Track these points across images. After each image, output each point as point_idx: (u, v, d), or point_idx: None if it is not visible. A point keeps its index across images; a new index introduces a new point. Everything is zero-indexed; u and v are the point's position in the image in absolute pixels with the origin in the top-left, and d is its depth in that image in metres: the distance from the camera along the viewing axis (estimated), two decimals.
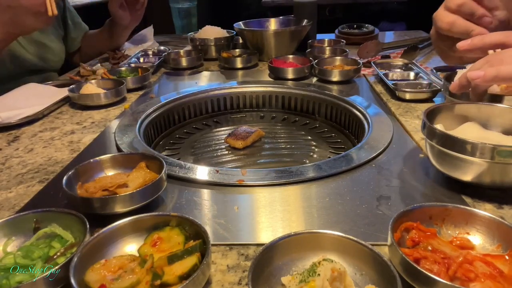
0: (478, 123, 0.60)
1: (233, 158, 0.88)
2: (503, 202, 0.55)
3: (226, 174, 0.64)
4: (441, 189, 0.59)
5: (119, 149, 0.75)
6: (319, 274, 0.37)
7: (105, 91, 0.98)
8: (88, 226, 0.46)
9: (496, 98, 0.66)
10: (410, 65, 1.13)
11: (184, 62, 1.29)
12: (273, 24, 1.47)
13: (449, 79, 0.81)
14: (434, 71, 1.10)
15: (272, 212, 0.55)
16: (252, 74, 1.23)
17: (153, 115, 0.95)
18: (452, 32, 0.74)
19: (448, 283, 0.36)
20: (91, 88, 0.99)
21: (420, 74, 1.04)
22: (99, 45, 1.42)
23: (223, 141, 0.93)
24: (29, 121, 0.89)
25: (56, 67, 1.36)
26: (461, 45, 0.65)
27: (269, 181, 0.62)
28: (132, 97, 1.04)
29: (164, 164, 0.58)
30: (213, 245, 0.48)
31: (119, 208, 0.52)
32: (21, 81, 1.06)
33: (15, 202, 0.59)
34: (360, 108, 0.91)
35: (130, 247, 0.46)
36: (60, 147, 0.77)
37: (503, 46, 0.62)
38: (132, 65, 1.26)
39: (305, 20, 1.38)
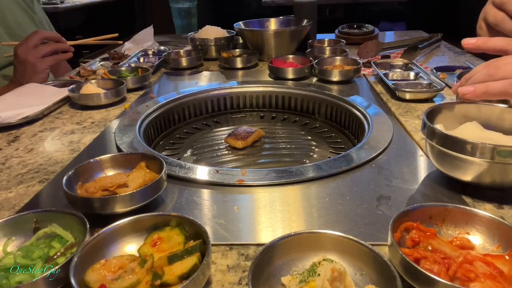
0: (478, 123, 0.60)
1: (233, 158, 0.88)
2: (503, 202, 0.55)
3: (226, 174, 0.64)
4: (441, 189, 0.59)
5: (119, 149, 0.75)
6: (319, 274, 0.37)
7: (105, 91, 0.98)
8: (88, 226, 0.46)
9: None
10: (410, 65, 1.13)
11: (184, 62, 1.29)
12: (273, 24, 1.46)
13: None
14: (434, 71, 1.10)
15: (272, 212, 0.55)
16: (252, 74, 1.23)
17: (153, 115, 0.95)
18: (499, 28, 0.73)
19: (448, 283, 0.36)
20: (91, 88, 0.99)
21: (420, 74, 1.04)
22: None
23: (223, 141, 0.93)
24: (29, 121, 0.89)
25: None
26: (466, 42, 0.65)
27: (269, 181, 0.62)
28: (132, 97, 1.04)
29: (164, 164, 0.58)
30: (213, 245, 0.48)
31: (119, 208, 0.52)
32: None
33: (15, 202, 0.59)
34: (360, 108, 0.91)
35: (130, 247, 0.46)
36: (60, 147, 0.77)
37: (504, 52, 0.63)
38: (132, 65, 1.26)
39: (305, 20, 1.38)
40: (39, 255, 0.45)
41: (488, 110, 0.61)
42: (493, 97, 0.59)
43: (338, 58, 1.19)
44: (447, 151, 0.54)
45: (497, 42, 0.64)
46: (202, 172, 0.65)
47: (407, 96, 0.93)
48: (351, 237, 0.42)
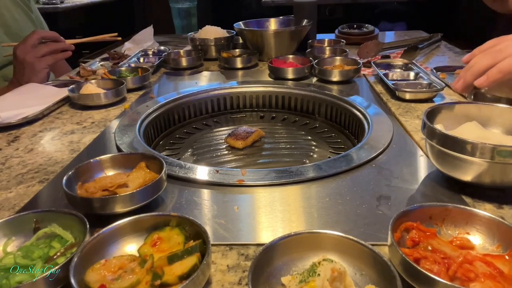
0: (478, 123, 0.60)
1: (233, 158, 0.88)
2: (503, 202, 0.55)
3: (226, 174, 0.64)
4: (441, 189, 0.59)
5: (119, 149, 0.75)
6: (319, 274, 0.37)
7: (105, 91, 0.98)
8: (88, 226, 0.46)
9: None
10: (410, 65, 1.13)
11: (184, 62, 1.29)
12: (273, 24, 1.46)
13: None
14: (434, 71, 1.10)
15: (272, 212, 0.55)
16: (252, 74, 1.23)
17: (153, 115, 0.95)
18: None
19: (448, 283, 0.36)
20: (91, 88, 0.99)
21: (420, 74, 1.04)
22: None
23: (223, 141, 0.93)
24: (29, 121, 0.89)
25: None
26: (455, 87, 0.67)
27: (269, 181, 0.62)
28: (132, 97, 1.04)
29: (164, 164, 0.58)
30: (213, 245, 0.48)
31: (119, 208, 0.52)
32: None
33: (15, 202, 0.59)
34: (360, 108, 0.91)
35: (130, 247, 0.46)
36: (60, 147, 0.77)
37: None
38: (132, 65, 1.26)
39: (305, 20, 1.38)
40: (39, 255, 0.45)
41: (488, 110, 0.61)
42: (508, 76, 0.58)
43: (338, 58, 1.19)
44: (447, 151, 0.54)
45: (480, 65, 0.63)
46: (202, 172, 0.65)
47: (407, 96, 0.93)
48: (351, 237, 0.42)
